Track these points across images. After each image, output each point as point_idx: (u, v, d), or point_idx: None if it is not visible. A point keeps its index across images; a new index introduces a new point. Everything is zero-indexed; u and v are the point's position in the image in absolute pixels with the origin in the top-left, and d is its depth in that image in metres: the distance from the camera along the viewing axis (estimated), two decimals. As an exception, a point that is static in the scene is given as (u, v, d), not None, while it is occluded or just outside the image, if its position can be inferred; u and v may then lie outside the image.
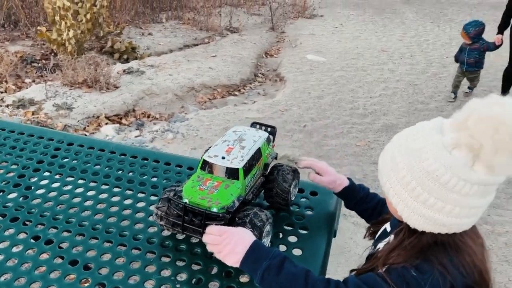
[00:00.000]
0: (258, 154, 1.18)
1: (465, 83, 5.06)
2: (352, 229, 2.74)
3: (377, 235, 1.10)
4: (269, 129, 1.33)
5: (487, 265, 0.90)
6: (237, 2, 9.34)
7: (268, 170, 1.25)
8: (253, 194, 1.18)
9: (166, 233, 1.20)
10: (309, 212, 1.33)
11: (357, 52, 6.83)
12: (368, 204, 1.23)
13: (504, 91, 4.71)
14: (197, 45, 6.99)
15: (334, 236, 1.31)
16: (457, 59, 4.95)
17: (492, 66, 5.58)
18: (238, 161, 1.10)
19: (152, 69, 5.39)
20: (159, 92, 4.84)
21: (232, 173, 1.10)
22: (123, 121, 4.26)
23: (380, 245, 1.01)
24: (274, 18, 8.34)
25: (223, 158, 1.11)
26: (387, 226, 1.06)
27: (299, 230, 1.25)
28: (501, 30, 4.55)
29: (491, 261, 0.93)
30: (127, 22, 7.33)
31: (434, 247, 0.87)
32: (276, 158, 1.30)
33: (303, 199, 1.38)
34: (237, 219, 1.07)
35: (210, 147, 1.17)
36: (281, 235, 1.22)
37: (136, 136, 3.88)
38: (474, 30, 4.62)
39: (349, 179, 1.28)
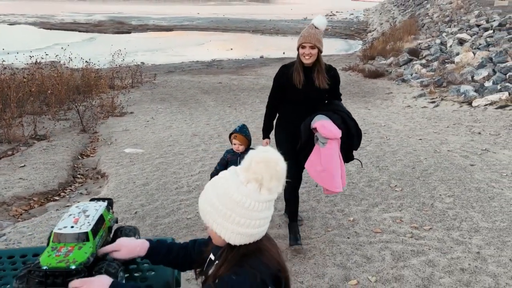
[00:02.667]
0: (101, 219, 1.45)
1: None
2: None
3: (205, 267, 1.41)
4: (106, 201, 1.61)
5: (281, 258, 1.34)
6: (40, 110, 9.05)
7: (112, 232, 1.51)
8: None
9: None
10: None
11: (172, 140, 7.46)
12: (172, 255, 1.53)
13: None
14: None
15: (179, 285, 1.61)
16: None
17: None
18: (86, 226, 1.35)
19: None
20: (-39, 214, 4.30)
21: (82, 236, 1.33)
22: None
23: (210, 271, 1.35)
24: (83, 120, 8.40)
25: (72, 227, 1.34)
26: (211, 256, 1.40)
27: (146, 273, 1.53)
28: (266, 134, 3.90)
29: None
30: None
31: (246, 256, 1.26)
32: (117, 222, 1.58)
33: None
34: (94, 272, 1.30)
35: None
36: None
37: None
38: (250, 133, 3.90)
39: (149, 240, 1.52)
